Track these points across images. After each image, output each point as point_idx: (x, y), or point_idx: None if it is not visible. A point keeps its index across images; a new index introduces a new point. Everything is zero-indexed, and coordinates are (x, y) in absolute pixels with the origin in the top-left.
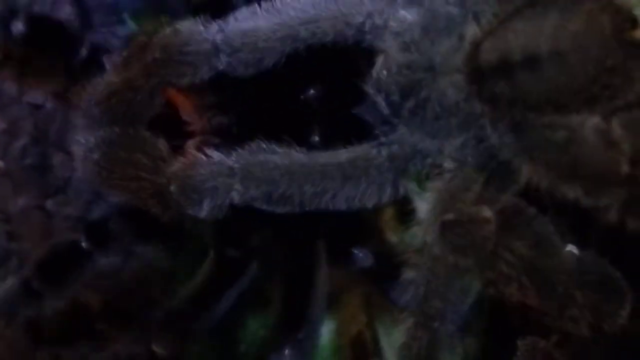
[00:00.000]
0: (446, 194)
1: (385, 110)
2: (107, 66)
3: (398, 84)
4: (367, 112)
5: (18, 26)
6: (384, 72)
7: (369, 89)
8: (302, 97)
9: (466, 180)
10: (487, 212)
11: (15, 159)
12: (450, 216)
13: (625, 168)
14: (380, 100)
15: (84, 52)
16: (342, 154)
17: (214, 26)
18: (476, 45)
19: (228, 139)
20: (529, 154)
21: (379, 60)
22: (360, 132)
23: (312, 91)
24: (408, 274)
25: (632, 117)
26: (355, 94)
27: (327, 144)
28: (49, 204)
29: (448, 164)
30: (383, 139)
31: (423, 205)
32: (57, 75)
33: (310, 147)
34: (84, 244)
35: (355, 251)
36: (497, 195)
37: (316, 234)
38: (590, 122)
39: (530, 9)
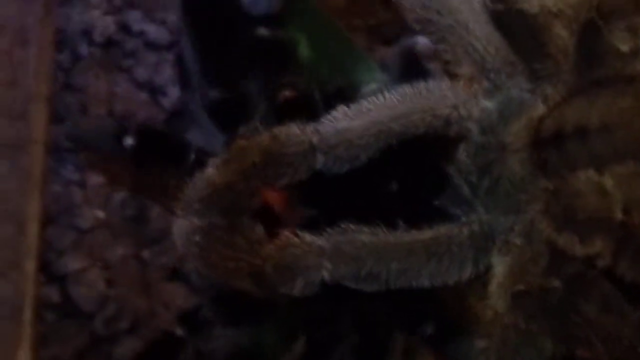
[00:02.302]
0: (516, 267)
1: (465, 191)
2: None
3: (476, 165)
4: (448, 196)
5: (128, 141)
6: (465, 154)
7: (451, 171)
8: (387, 188)
9: (534, 253)
10: (555, 283)
11: (115, 211)
12: (520, 287)
13: (618, 215)
14: (460, 182)
15: (192, 157)
16: (427, 233)
17: (310, 127)
18: (540, 122)
19: (317, 228)
20: None
21: (461, 145)
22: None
23: (394, 184)
24: (479, 343)
25: (624, 169)
26: (436, 181)
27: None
28: (146, 253)
29: (518, 240)
30: (464, 219)
31: (494, 280)
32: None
33: (393, 215)
34: (178, 332)
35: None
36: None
37: (391, 317)
38: (583, 174)
39: (591, 88)
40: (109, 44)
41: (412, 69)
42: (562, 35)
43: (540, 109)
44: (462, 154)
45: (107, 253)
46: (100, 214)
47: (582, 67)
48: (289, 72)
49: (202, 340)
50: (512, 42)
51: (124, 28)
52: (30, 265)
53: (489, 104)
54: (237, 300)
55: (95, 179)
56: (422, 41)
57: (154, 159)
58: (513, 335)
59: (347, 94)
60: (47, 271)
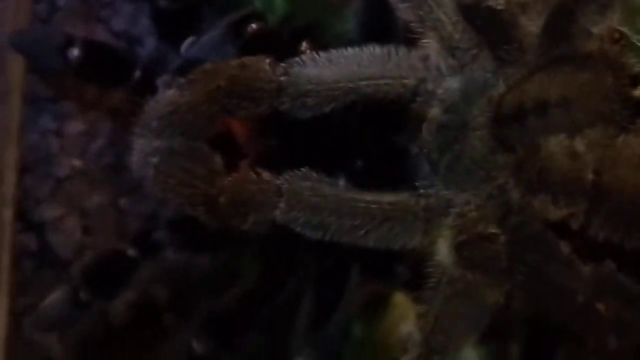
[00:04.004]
0: (462, 225)
1: (426, 167)
2: (161, 87)
3: (437, 143)
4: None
5: (74, 53)
6: (427, 132)
7: (413, 148)
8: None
9: (481, 217)
10: (494, 229)
11: (93, 159)
12: (463, 237)
13: (589, 176)
14: (421, 158)
15: (137, 74)
16: (386, 197)
17: (280, 68)
18: (500, 99)
19: (278, 163)
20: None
21: (425, 123)
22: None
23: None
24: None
25: (595, 133)
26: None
27: (369, 172)
28: (123, 201)
29: (472, 213)
30: (422, 191)
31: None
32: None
33: (353, 171)
34: (129, 253)
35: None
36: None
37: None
38: (555, 140)
39: (550, 66)
40: None
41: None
42: (528, 24)
43: (501, 87)
44: (424, 132)
45: (84, 201)
46: (78, 162)
47: (546, 47)
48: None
49: (155, 264)
50: (478, 30)
51: None
52: (7, 214)
53: (453, 83)
54: (192, 225)
55: (73, 127)
56: None
57: (98, 73)
58: (459, 288)
59: (313, 31)
60: (25, 219)
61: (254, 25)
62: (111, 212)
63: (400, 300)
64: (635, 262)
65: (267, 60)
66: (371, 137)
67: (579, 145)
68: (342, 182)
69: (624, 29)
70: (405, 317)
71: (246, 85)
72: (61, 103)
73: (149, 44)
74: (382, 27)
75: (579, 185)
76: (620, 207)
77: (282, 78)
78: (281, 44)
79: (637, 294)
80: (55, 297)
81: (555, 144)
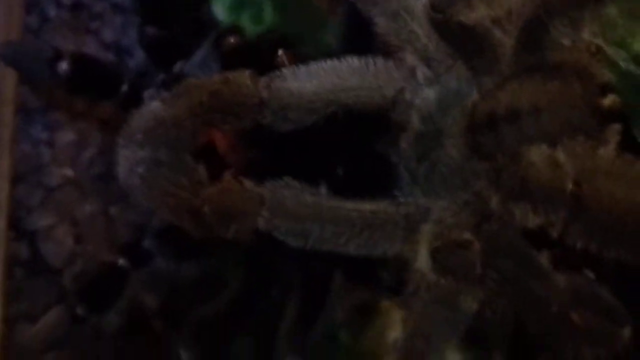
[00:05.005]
0: (438, 232)
1: (406, 176)
2: (147, 101)
3: (415, 152)
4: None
5: (63, 66)
6: (405, 142)
7: (393, 158)
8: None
9: (457, 223)
10: (469, 236)
11: (84, 169)
12: (438, 243)
13: (569, 186)
14: (401, 168)
15: (125, 88)
16: (367, 205)
17: (262, 82)
18: (473, 108)
19: (260, 173)
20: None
21: (403, 134)
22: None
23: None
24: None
25: (576, 144)
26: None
27: (350, 180)
28: (113, 210)
29: (450, 219)
30: (402, 200)
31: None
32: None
33: (335, 180)
34: (120, 263)
35: (378, 272)
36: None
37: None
38: (537, 149)
39: (522, 75)
40: (77, 6)
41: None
42: (501, 37)
43: (475, 96)
44: (402, 141)
45: (75, 210)
46: (69, 172)
47: (519, 58)
48: None
49: (144, 273)
50: (451, 44)
51: None
52: (1, 223)
53: (429, 93)
54: (179, 234)
55: (64, 138)
56: None
57: (87, 86)
58: (436, 294)
59: (291, 42)
60: (17, 228)
61: (231, 39)
62: (102, 221)
63: (387, 307)
64: (616, 273)
65: (249, 75)
66: (352, 147)
67: (560, 155)
68: (323, 191)
69: (600, 41)
70: (392, 325)
71: (229, 100)
72: (52, 114)
73: (138, 56)
74: (366, 38)
75: (558, 194)
76: (598, 218)
77: (263, 92)
78: (259, 56)
79: (611, 305)
80: (51, 316)
81: (536, 153)
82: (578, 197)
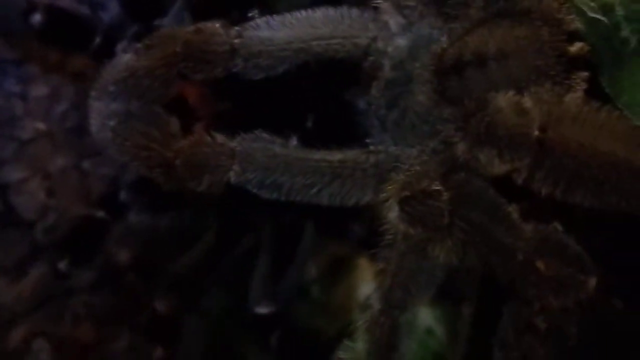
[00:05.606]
0: (406, 181)
1: (376, 124)
2: (120, 53)
3: (385, 99)
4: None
5: (36, 17)
6: (376, 89)
7: (362, 104)
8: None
9: (426, 172)
10: (437, 186)
11: (57, 122)
12: (405, 192)
13: (535, 132)
14: (371, 115)
15: (98, 40)
16: (336, 155)
17: (233, 31)
18: (441, 53)
19: (231, 126)
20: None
21: (374, 82)
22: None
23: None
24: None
25: (542, 90)
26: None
27: (320, 131)
28: (86, 164)
29: (418, 167)
30: (372, 148)
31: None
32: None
33: (305, 132)
34: (98, 215)
35: (350, 225)
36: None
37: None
38: (504, 95)
39: (490, 20)
40: None
41: None
42: None
43: (444, 42)
44: (373, 89)
45: (48, 163)
46: (41, 125)
47: (489, 3)
48: None
49: (119, 226)
50: None
51: None
52: None
53: (401, 41)
54: (153, 187)
55: (37, 91)
56: None
57: (60, 38)
58: (409, 245)
59: None
60: None
61: None
62: (75, 174)
63: (361, 263)
64: (584, 226)
65: (221, 24)
66: (323, 97)
67: (527, 101)
68: (294, 142)
69: None
70: (365, 280)
71: (201, 49)
72: (25, 66)
73: (112, 8)
74: None
75: (524, 140)
76: (563, 164)
77: (235, 40)
78: (232, 8)
79: (578, 254)
80: (33, 274)
81: (503, 99)
82: (543, 143)
